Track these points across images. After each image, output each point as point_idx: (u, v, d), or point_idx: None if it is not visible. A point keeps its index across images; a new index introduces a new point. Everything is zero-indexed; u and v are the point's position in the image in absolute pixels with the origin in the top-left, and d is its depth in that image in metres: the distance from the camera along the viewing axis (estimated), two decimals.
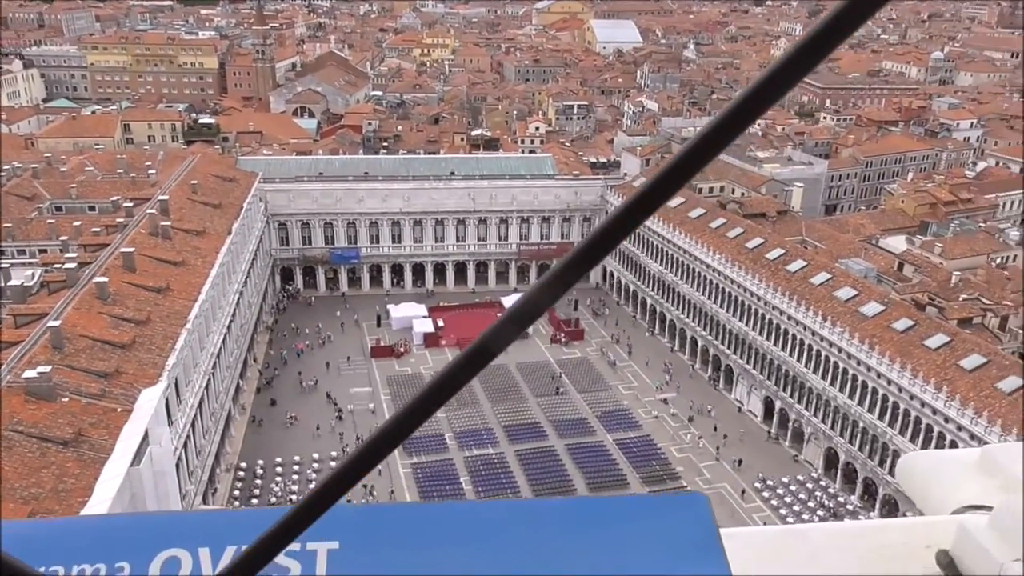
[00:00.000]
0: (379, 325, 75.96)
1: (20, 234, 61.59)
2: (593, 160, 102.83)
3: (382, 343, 72.17)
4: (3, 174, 76.72)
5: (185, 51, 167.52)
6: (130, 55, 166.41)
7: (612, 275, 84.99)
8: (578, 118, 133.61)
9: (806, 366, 59.22)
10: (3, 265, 53.67)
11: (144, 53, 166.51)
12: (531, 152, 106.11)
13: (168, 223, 57.13)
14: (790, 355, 60.72)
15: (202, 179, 68.94)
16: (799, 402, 60.33)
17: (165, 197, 60.78)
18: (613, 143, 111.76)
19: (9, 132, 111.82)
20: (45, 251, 57.30)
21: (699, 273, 70.27)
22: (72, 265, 49.56)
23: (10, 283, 51.04)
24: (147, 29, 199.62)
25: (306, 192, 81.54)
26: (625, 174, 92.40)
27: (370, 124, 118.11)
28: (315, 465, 55.67)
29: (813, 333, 57.99)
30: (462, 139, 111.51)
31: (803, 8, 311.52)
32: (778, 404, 62.46)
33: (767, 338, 62.89)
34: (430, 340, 72.75)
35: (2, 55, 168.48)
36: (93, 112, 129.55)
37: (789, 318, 60.16)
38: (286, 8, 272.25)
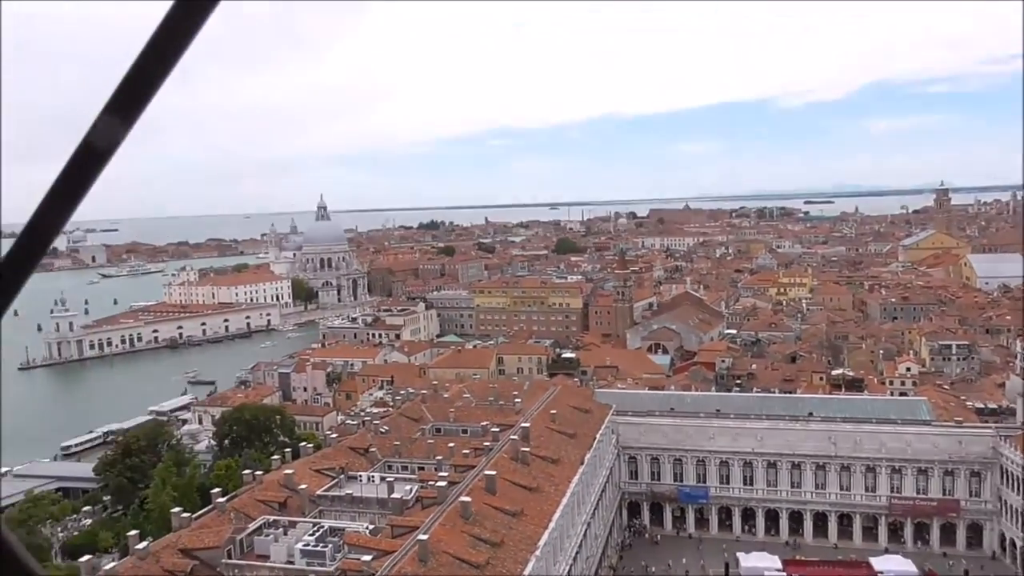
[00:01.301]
0: (727, 574, 70.65)
1: (405, 452, 69.35)
2: (980, 406, 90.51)
3: None
4: (399, 398, 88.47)
5: (555, 293, 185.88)
6: (509, 297, 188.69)
7: (1011, 543, 70.97)
8: (958, 359, 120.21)
9: None
10: (389, 479, 60.34)
11: (520, 296, 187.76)
12: (902, 394, 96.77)
13: (527, 449, 60.58)
14: None
15: (561, 409, 72.98)
16: None
17: (527, 424, 65.03)
18: (1005, 387, 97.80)
19: (408, 362, 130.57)
20: (423, 468, 63.54)
21: None
22: (443, 484, 54.13)
23: (392, 496, 56.96)
24: (525, 275, 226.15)
25: (657, 427, 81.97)
26: (1022, 422, 79.46)
27: (723, 361, 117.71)
28: None
29: None
30: (821, 378, 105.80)
31: None
32: None
33: None
34: None
35: (411, 299, 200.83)
36: (475, 346, 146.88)
37: None
38: (646, 253, 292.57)
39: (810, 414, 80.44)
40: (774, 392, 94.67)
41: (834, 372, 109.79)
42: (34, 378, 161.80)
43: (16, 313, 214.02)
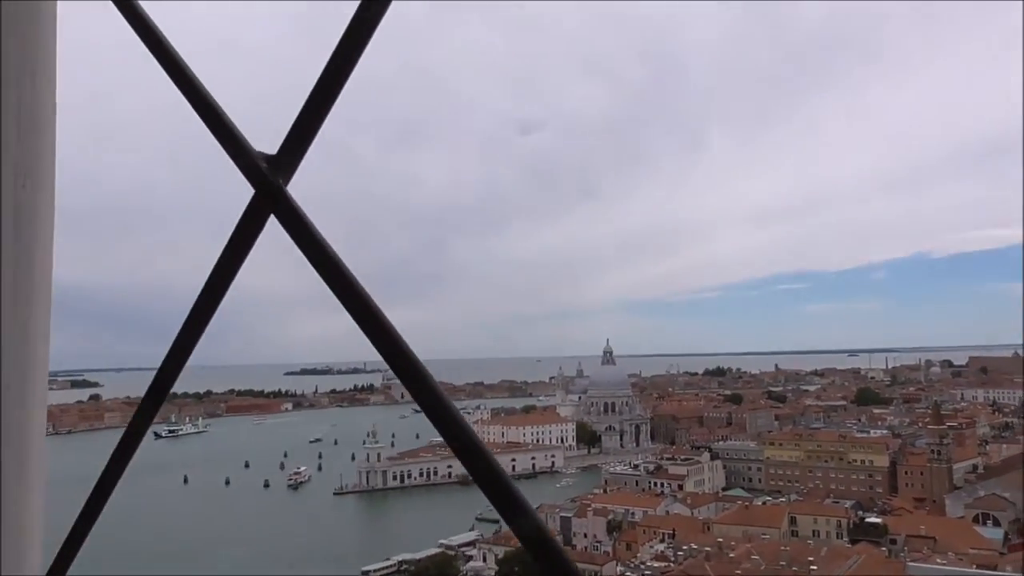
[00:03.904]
0: None
1: None
2: None
3: None
4: (681, 553, 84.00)
5: (855, 448, 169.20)
6: (802, 451, 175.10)
7: None
8: None
9: None
10: None
11: (815, 449, 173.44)
12: None
13: None
14: None
15: None
16: None
17: None
18: None
19: (691, 515, 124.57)
20: None
21: None
22: None
23: None
24: (820, 427, 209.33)
25: None
26: None
27: None
28: None
29: None
30: None
31: None
32: None
33: None
34: None
35: (695, 447, 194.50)
36: (764, 503, 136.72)
37: None
38: (966, 407, 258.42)
39: None
40: None
41: None
42: (345, 503, 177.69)
43: (336, 442, 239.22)
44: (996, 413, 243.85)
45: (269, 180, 1.61)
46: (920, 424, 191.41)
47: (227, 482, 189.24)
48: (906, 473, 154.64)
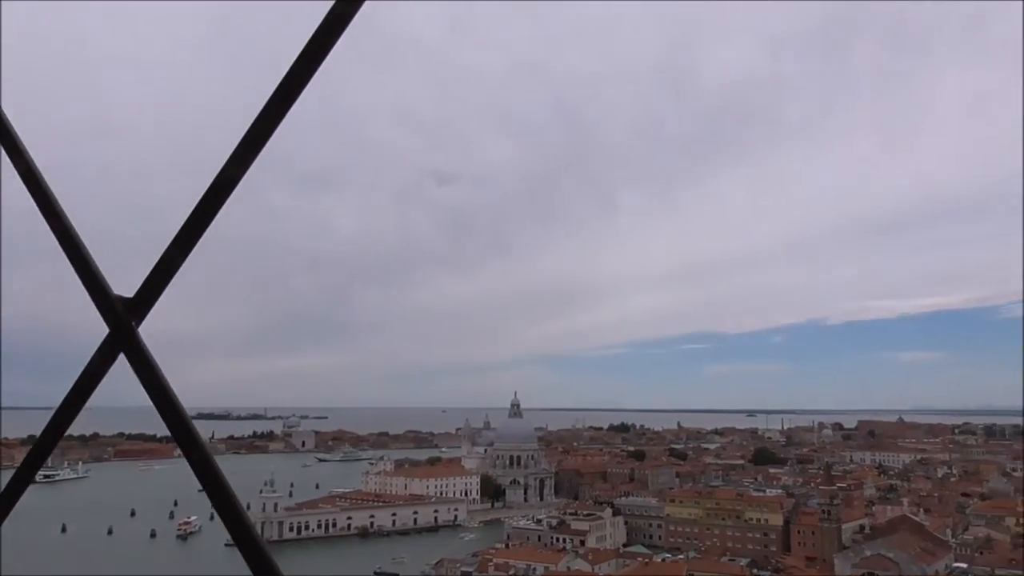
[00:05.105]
0: None
1: None
2: None
3: None
4: None
5: (751, 507, 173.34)
6: (702, 508, 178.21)
7: None
8: None
9: None
10: None
11: (714, 507, 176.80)
12: None
13: None
14: None
15: None
16: None
17: None
18: None
19: (592, 571, 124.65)
20: None
21: None
22: None
23: None
24: (719, 485, 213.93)
25: None
26: None
27: None
28: None
29: None
30: None
31: None
32: None
33: None
34: None
35: (598, 503, 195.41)
36: (663, 559, 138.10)
37: None
38: (854, 469, 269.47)
39: None
40: None
41: None
42: (237, 555, 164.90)
43: None
44: (882, 475, 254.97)
45: (124, 322, 1.64)
46: (812, 484, 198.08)
47: (110, 531, 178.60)
48: (799, 532, 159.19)
